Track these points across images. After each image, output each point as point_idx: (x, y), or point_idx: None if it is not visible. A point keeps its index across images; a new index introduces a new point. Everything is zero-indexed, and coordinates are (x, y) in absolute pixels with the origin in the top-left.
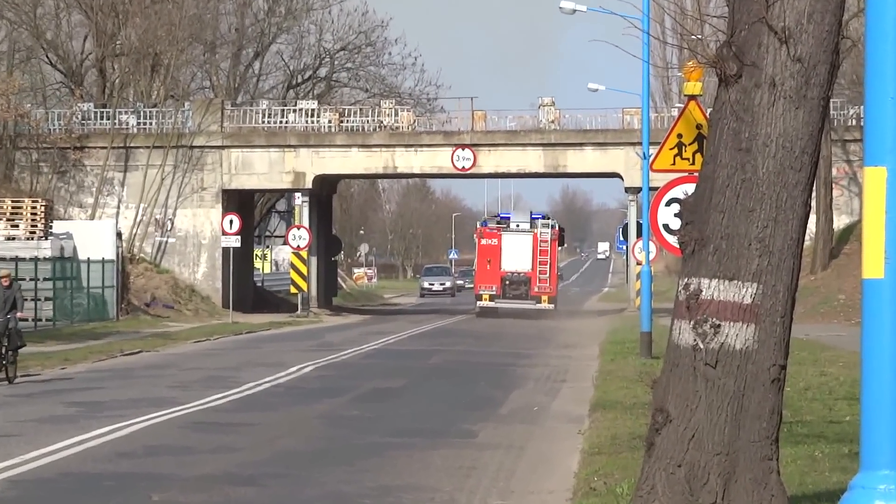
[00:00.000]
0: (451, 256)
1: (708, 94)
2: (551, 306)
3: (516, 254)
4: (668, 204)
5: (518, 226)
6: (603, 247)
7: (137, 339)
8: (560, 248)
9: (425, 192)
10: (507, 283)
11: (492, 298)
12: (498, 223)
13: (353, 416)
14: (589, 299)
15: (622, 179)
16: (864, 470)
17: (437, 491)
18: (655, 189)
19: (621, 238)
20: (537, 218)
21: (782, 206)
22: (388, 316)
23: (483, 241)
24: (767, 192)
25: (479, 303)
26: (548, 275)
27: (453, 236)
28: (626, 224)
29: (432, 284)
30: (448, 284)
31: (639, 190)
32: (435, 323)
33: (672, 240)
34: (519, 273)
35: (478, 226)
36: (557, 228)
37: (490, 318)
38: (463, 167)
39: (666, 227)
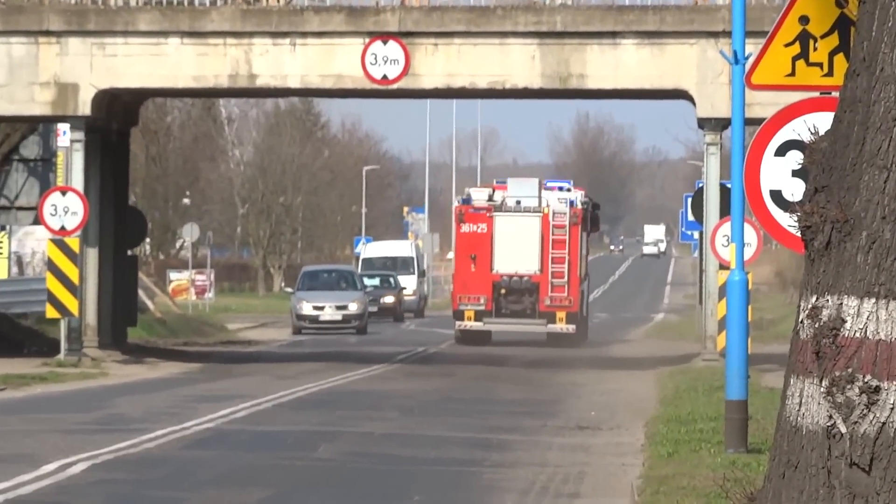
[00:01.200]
0: (359, 251)
1: None
2: (571, 329)
3: (517, 246)
4: (780, 153)
5: (519, 202)
6: (654, 233)
7: None
8: (588, 235)
9: (311, 125)
10: (503, 292)
11: (479, 317)
12: (489, 200)
13: None
14: (628, 333)
15: (692, 103)
16: None
17: None
18: (758, 123)
19: (689, 218)
20: (552, 188)
21: None
22: (235, 366)
23: (464, 228)
24: None
25: (458, 323)
26: (566, 279)
27: (364, 211)
28: (700, 191)
29: (320, 308)
30: (354, 308)
31: (725, 124)
32: (328, 380)
33: (788, 221)
34: (521, 277)
35: (455, 203)
36: (582, 206)
37: (465, 355)
38: (384, 77)
39: (777, 196)
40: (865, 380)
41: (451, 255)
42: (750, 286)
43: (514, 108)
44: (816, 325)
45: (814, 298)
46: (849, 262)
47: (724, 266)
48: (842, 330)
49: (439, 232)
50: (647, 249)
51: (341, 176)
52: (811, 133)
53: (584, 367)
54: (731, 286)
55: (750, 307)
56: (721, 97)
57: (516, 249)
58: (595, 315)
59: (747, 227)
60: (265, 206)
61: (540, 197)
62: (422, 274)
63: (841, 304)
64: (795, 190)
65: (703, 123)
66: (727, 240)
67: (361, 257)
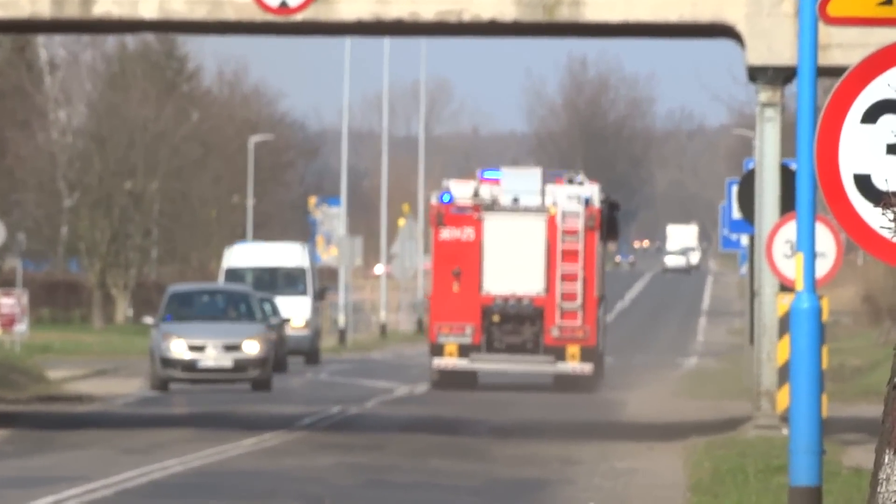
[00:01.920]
0: (228, 264)
1: None
2: (587, 369)
3: (514, 259)
4: (870, 118)
5: (517, 200)
6: (681, 237)
7: None
8: (606, 243)
9: (173, 75)
10: (496, 319)
11: (463, 352)
12: (474, 196)
13: None
14: (645, 387)
15: (739, 44)
16: None
17: None
18: (838, 74)
19: (734, 215)
20: (558, 180)
21: None
22: (60, 433)
23: (444, 234)
24: None
25: (435, 361)
26: (580, 301)
27: (252, 203)
28: (750, 174)
29: (198, 349)
30: (252, 349)
31: (788, 76)
32: (198, 454)
33: (881, 221)
34: (519, 299)
35: (433, 201)
36: (599, 204)
37: (403, 418)
38: (283, 4)
39: (864, 182)
40: None
41: (379, 268)
42: (825, 317)
43: (476, 52)
44: None
45: None
46: None
47: (786, 287)
48: None
49: (363, 235)
50: (671, 261)
51: (218, 150)
52: None
53: (580, 436)
54: (796, 317)
55: (825, 348)
56: (783, 35)
57: (513, 263)
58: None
59: (821, 228)
60: (104, 194)
61: (543, 192)
62: (319, 295)
63: None
64: (891, 174)
65: (756, 74)
66: (791, 248)
67: (224, 268)
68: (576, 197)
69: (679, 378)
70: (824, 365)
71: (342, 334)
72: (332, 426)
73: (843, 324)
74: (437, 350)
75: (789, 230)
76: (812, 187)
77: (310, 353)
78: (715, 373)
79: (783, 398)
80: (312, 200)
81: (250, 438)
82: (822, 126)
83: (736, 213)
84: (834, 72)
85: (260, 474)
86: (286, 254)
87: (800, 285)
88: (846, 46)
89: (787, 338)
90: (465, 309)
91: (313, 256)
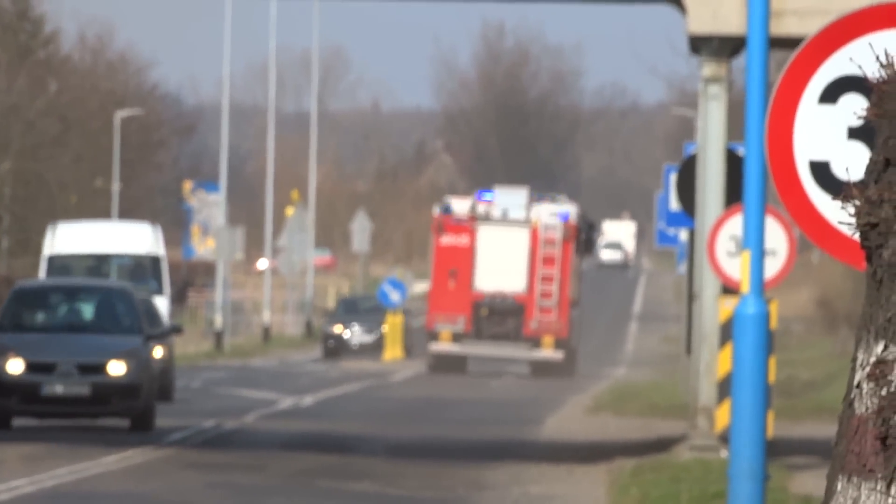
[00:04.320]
0: (51, 250)
1: None
2: (559, 355)
3: (502, 262)
4: (829, 97)
5: (506, 213)
6: (617, 231)
7: None
8: (580, 254)
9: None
10: (485, 312)
11: (456, 339)
12: (471, 212)
13: None
14: (563, 402)
15: (680, 9)
16: None
17: None
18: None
19: (673, 205)
20: (542, 200)
21: None
22: None
23: (445, 240)
24: None
25: (432, 346)
26: (555, 300)
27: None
28: (691, 160)
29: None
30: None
31: (736, 47)
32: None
33: (840, 215)
34: (505, 296)
35: (435, 212)
36: (576, 220)
37: (289, 434)
38: None
39: (821, 170)
40: None
41: (262, 263)
42: (773, 324)
43: (377, 16)
44: (884, 392)
45: (880, 346)
46: None
47: (730, 289)
48: None
49: (245, 225)
50: (606, 255)
51: (79, 126)
52: (882, 65)
53: (491, 456)
54: (740, 324)
55: (773, 359)
56: (730, 1)
57: (501, 265)
58: (505, 368)
59: (771, 223)
60: None
61: (529, 208)
62: (179, 295)
63: None
64: (852, 161)
65: (699, 45)
66: (736, 245)
67: (45, 255)
68: (556, 213)
69: (604, 392)
70: (771, 378)
71: (219, 338)
72: (205, 442)
73: (794, 332)
74: (434, 336)
75: (735, 224)
76: (762, 176)
77: (161, 383)
78: (646, 386)
79: (723, 416)
80: (188, 185)
81: (111, 456)
82: (775, 106)
83: (674, 205)
84: (788, 43)
85: (123, 497)
86: (131, 237)
87: (745, 287)
88: (802, 13)
89: (729, 347)
90: (459, 302)
91: (161, 241)
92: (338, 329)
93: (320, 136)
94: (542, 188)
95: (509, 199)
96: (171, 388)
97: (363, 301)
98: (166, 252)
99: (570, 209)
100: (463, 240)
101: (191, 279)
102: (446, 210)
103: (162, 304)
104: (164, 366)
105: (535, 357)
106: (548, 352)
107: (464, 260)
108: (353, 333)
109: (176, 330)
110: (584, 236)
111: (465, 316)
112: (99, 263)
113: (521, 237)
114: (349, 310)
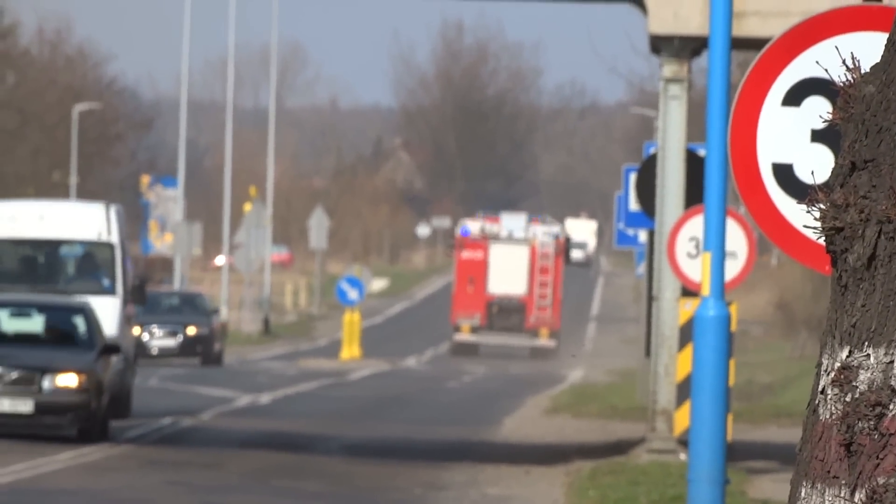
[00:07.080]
0: None
1: None
2: (552, 343)
3: (508, 272)
4: (792, 100)
5: (511, 233)
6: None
7: None
8: (566, 264)
9: None
10: (495, 310)
11: (473, 331)
12: (482, 232)
13: None
14: (519, 404)
15: (641, 9)
16: None
17: None
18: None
19: (632, 206)
20: (534, 219)
21: None
22: None
23: (464, 255)
24: None
25: (455, 335)
26: (549, 300)
27: (75, 181)
28: (651, 160)
29: None
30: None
31: (697, 47)
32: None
33: (803, 218)
34: (511, 298)
35: (456, 233)
36: (563, 238)
37: (246, 431)
38: None
39: (784, 173)
40: None
41: (220, 259)
42: (733, 326)
43: (335, 13)
44: (849, 398)
45: (845, 352)
46: None
47: (689, 291)
48: (891, 406)
49: (203, 221)
50: (573, 255)
51: (36, 120)
52: (847, 68)
53: (448, 456)
54: (700, 326)
55: (732, 362)
56: (691, 2)
57: (508, 274)
58: (468, 370)
59: (731, 224)
60: None
61: (528, 229)
62: (137, 293)
63: (892, 362)
64: (817, 164)
65: (660, 44)
66: (696, 247)
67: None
68: (549, 233)
69: (561, 394)
70: (731, 381)
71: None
72: (161, 440)
73: (753, 334)
74: (456, 329)
75: (695, 226)
76: (723, 177)
77: (116, 395)
78: (604, 388)
79: (682, 418)
80: (145, 180)
81: (67, 452)
82: (738, 107)
83: (633, 205)
84: (750, 44)
85: (78, 493)
86: (78, 220)
87: (705, 289)
88: (765, 14)
89: (688, 349)
90: (476, 303)
91: (119, 227)
92: (135, 331)
93: (278, 132)
94: (501, 186)
95: (513, 222)
96: (127, 403)
97: (166, 298)
98: (123, 240)
99: (556, 228)
100: (478, 254)
101: (148, 275)
102: (464, 232)
103: (112, 307)
104: (120, 379)
105: (534, 345)
106: (544, 341)
107: (479, 270)
108: (151, 336)
109: (109, 350)
110: (567, 251)
111: (480, 313)
112: (36, 253)
113: (523, 252)
114: (149, 309)
